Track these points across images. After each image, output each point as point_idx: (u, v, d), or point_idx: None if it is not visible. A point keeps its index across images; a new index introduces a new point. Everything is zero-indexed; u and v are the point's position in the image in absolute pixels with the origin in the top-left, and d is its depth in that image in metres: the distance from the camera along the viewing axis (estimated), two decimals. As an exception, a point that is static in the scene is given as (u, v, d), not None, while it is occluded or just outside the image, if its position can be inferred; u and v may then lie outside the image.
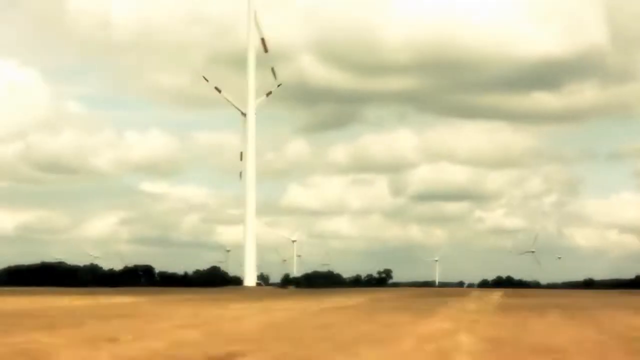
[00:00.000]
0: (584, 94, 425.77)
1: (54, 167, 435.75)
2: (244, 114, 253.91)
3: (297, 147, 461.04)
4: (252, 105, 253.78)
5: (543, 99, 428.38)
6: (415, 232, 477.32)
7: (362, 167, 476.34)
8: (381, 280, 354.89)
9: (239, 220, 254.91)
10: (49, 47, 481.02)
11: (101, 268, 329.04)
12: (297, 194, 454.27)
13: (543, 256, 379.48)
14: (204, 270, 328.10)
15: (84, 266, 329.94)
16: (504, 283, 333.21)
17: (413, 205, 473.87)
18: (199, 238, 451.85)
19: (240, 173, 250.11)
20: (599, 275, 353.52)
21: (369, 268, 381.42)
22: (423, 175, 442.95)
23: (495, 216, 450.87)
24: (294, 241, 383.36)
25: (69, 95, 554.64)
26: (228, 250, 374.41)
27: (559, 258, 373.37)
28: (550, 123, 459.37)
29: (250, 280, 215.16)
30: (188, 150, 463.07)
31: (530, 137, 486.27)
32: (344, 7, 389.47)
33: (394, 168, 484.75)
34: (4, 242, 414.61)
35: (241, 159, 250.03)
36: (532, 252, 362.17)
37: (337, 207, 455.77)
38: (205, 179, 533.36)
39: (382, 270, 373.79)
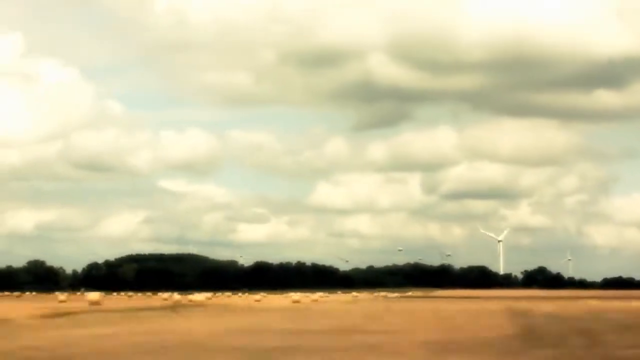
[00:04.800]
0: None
1: (90, 165, 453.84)
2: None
3: (339, 146, 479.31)
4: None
5: (605, 98, 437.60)
6: (434, 231, 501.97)
7: (401, 165, 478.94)
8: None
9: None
10: (108, 47, 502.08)
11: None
12: (330, 192, 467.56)
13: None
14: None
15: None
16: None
17: (442, 204, 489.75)
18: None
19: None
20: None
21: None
22: (460, 174, 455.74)
23: (519, 214, 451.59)
24: (499, 241, 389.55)
25: (112, 95, 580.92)
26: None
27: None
28: (604, 121, 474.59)
29: None
30: (226, 149, 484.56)
31: (576, 135, 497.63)
32: (421, 7, 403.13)
33: (434, 166, 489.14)
34: (24, 240, 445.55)
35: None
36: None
37: (366, 205, 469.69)
38: (243, 177, 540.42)
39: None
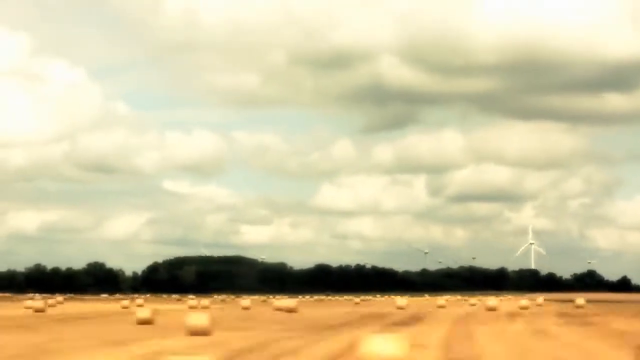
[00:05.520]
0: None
1: (96, 166, 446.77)
2: None
3: (346, 148, 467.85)
4: None
5: (613, 101, 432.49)
6: (437, 233, 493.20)
7: (407, 167, 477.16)
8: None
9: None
10: (115, 47, 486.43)
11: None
12: (334, 194, 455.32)
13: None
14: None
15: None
16: None
17: (447, 207, 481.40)
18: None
19: None
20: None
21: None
22: (465, 177, 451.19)
23: (523, 217, 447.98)
24: (531, 244, 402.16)
25: (119, 95, 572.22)
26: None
27: None
28: (612, 124, 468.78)
29: None
30: (232, 150, 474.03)
31: (583, 138, 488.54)
32: (433, 9, 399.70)
33: (440, 169, 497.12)
34: (27, 242, 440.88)
35: None
36: None
37: (370, 207, 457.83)
38: (248, 179, 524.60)
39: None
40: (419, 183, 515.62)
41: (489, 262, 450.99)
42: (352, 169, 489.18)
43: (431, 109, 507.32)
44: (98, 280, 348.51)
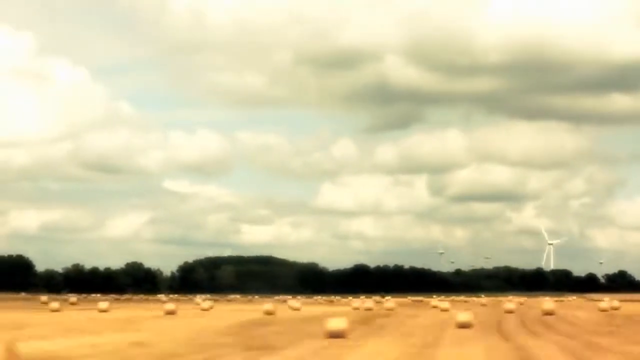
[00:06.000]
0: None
1: (99, 166, 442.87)
2: None
3: (349, 148, 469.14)
4: None
5: (618, 101, 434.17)
6: (439, 233, 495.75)
7: (409, 167, 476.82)
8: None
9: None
10: (119, 46, 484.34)
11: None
12: (336, 194, 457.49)
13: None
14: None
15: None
16: None
17: (448, 206, 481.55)
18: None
19: None
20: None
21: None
22: (467, 177, 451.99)
23: (524, 217, 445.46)
24: (550, 244, 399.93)
25: (122, 95, 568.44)
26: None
27: None
28: (616, 125, 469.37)
29: None
30: (235, 150, 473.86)
31: (587, 138, 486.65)
32: (438, 9, 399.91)
33: (442, 169, 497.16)
34: (28, 242, 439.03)
35: None
36: None
37: (372, 207, 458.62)
38: (251, 179, 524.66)
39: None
40: (421, 183, 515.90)
41: (490, 262, 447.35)
42: (355, 169, 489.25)
43: (436, 109, 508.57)
44: (137, 280, 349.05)
